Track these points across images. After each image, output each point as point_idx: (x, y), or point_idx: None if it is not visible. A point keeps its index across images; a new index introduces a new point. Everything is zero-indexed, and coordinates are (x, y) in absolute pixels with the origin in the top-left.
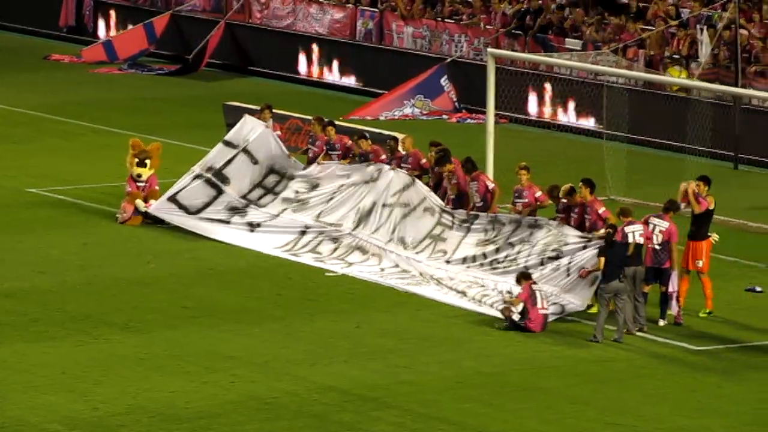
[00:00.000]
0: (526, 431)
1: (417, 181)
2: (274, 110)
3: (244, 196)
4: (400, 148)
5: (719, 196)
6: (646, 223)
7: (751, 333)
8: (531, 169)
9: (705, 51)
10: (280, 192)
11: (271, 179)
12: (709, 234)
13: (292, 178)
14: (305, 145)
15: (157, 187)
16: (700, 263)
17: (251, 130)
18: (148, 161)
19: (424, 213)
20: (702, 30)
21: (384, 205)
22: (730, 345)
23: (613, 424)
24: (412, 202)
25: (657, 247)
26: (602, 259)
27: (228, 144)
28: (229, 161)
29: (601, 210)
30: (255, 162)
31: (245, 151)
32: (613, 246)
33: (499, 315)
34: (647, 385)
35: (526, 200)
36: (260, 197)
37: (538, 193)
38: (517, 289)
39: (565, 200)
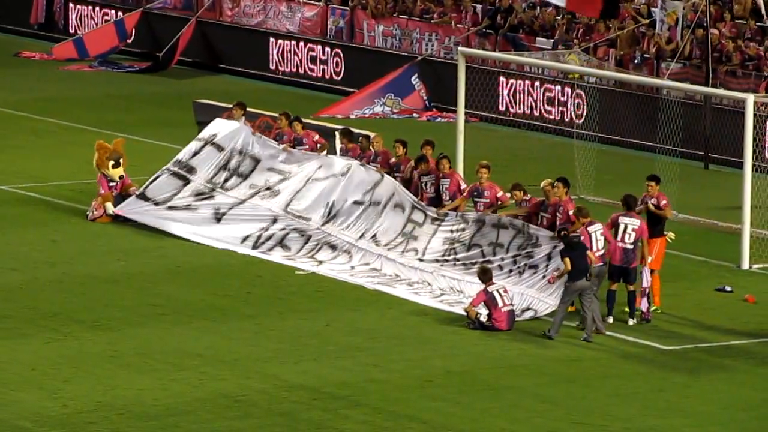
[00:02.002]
0: (495, 430)
1: (386, 176)
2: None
3: (209, 180)
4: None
5: (689, 196)
6: (616, 223)
7: (720, 333)
8: (497, 168)
9: (662, 27)
10: (247, 174)
11: (236, 160)
12: (665, 232)
13: (257, 160)
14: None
15: (129, 180)
16: (649, 259)
17: (221, 127)
18: (121, 160)
19: (395, 209)
20: (662, 5)
21: (355, 202)
22: (699, 345)
23: (581, 424)
24: (382, 200)
25: (629, 246)
26: (567, 260)
27: (198, 141)
28: (196, 153)
29: (572, 212)
30: (221, 149)
31: (213, 143)
32: (574, 247)
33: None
34: (616, 385)
35: (487, 200)
36: (226, 180)
37: (500, 193)
38: (475, 289)
39: (527, 198)
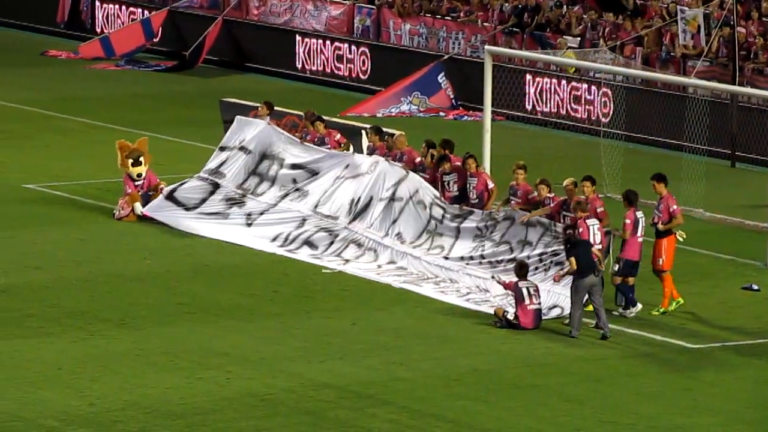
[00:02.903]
0: (521, 429)
1: (410, 173)
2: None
3: (239, 186)
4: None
5: (716, 194)
6: (637, 219)
7: (746, 331)
8: (528, 168)
9: (686, 37)
10: (275, 176)
11: (265, 164)
12: (673, 230)
13: (283, 161)
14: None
15: (157, 179)
16: (661, 261)
17: (246, 129)
18: (142, 158)
19: (417, 206)
20: (682, 16)
21: (380, 200)
22: (726, 343)
23: (607, 422)
24: (405, 197)
25: (642, 239)
26: (573, 260)
27: (223, 149)
28: (225, 161)
29: (600, 209)
30: (248, 152)
31: (240, 148)
32: (578, 245)
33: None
34: (642, 384)
35: (520, 199)
36: (257, 185)
37: (532, 194)
38: (500, 288)
39: (551, 196)
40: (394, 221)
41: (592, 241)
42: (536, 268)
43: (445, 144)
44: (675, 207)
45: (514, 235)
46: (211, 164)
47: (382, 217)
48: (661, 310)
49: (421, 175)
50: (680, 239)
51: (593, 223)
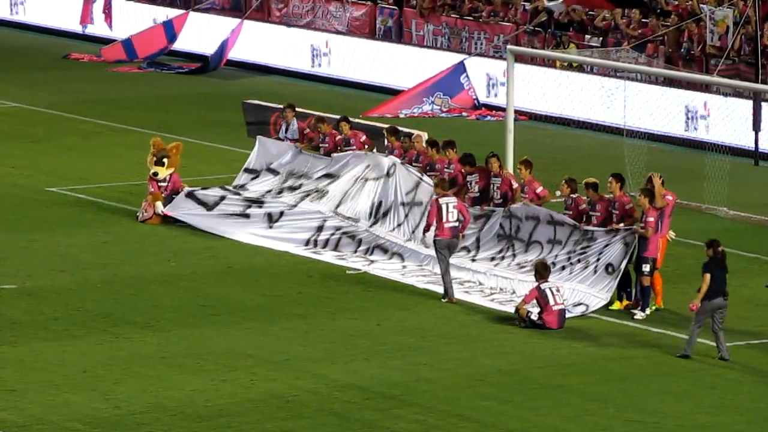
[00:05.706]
0: (546, 429)
1: (424, 176)
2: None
3: (262, 195)
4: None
5: (740, 193)
6: (658, 217)
7: None
8: (549, 167)
9: (713, 38)
10: (298, 187)
11: (290, 182)
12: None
13: (307, 173)
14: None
15: (182, 183)
16: None
17: (272, 151)
18: (165, 160)
19: None
20: (711, 16)
21: (402, 204)
22: (751, 341)
23: (632, 422)
24: (424, 201)
25: None
26: (708, 276)
27: (249, 171)
28: (252, 180)
29: (628, 206)
30: (276, 174)
31: (269, 170)
32: (717, 264)
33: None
34: (667, 382)
35: (526, 195)
36: (278, 192)
37: (539, 189)
38: (527, 287)
39: (574, 195)
40: (417, 225)
41: (445, 219)
42: (563, 267)
43: (434, 143)
44: (670, 197)
45: (542, 234)
46: (238, 182)
47: (405, 221)
48: (654, 307)
49: (431, 175)
50: (669, 239)
51: (448, 201)
